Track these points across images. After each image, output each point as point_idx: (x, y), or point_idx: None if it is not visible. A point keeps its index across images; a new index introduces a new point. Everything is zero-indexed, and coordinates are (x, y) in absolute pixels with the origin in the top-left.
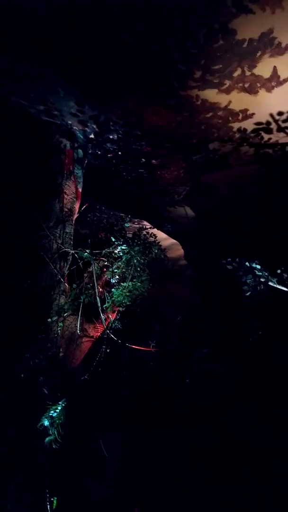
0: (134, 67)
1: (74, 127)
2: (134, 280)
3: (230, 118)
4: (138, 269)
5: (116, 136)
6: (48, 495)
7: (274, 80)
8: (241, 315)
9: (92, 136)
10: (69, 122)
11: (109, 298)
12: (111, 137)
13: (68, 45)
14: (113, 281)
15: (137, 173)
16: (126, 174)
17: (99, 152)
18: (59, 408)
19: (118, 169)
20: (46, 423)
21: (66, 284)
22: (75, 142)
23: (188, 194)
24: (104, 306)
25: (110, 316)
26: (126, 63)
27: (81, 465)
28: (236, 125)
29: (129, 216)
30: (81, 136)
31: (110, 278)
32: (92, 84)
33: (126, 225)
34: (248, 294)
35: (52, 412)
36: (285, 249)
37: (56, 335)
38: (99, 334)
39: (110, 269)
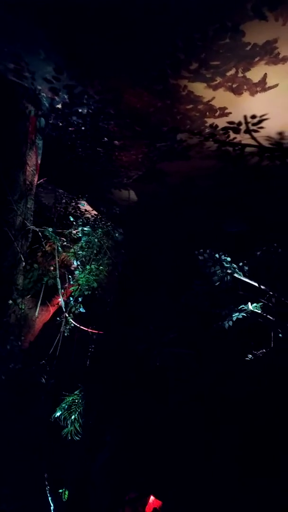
0: (132, 46)
1: (42, 94)
2: (99, 263)
3: (207, 113)
4: (101, 252)
5: (86, 111)
6: (48, 487)
7: (260, 86)
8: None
9: (59, 106)
10: (39, 87)
11: (72, 280)
12: (80, 110)
13: (67, 6)
14: (76, 263)
15: (94, 151)
16: (82, 151)
17: (60, 124)
18: (76, 398)
19: (75, 144)
20: (58, 414)
21: (26, 264)
22: (39, 109)
23: (138, 178)
24: (72, 288)
25: (64, 300)
26: (126, 40)
27: (79, 453)
28: (210, 121)
29: (83, 196)
30: (47, 104)
31: (73, 260)
32: (80, 52)
33: (82, 204)
34: (217, 283)
35: (64, 404)
36: (226, 239)
37: (18, 318)
38: (49, 316)
39: (72, 251)
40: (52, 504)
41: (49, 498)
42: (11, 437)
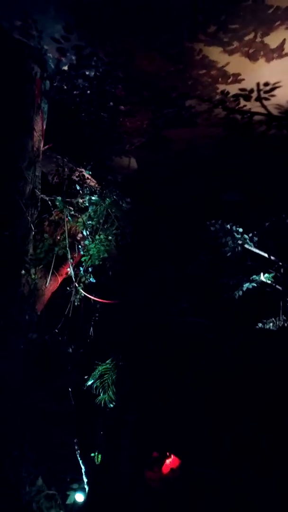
0: (150, 6)
1: (49, 54)
2: (106, 233)
3: (219, 79)
4: (108, 222)
5: (93, 73)
6: (78, 451)
7: (277, 52)
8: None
9: (65, 68)
10: (46, 47)
11: (82, 250)
12: (87, 73)
13: None
14: (86, 233)
15: (98, 116)
16: (85, 116)
17: (65, 87)
18: (109, 366)
19: (79, 109)
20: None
21: (35, 234)
22: (45, 71)
23: (141, 146)
24: (84, 259)
25: (74, 269)
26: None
27: (111, 419)
28: (221, 87)
29: (88, 163)
30: (52, 66)
31: (82, 230)
32: (94, 11)
33: (87, 172)
34: (228, 254)
35: (97, 372)
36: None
37: (32, 288)
38: (57, 286)
39: (80, 220)
40: (83, 467)
41: (80, 462)
42: (37, 406)
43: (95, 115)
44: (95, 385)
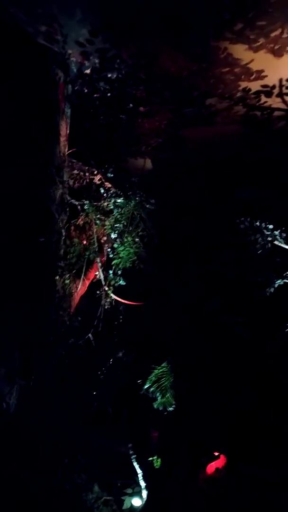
0: (176, 6)
1: (72, 58)
2: (132, 235)
3: (242, 76)
4: (133, 224)
5: (115, 76)
6: (134, 456)
7: None
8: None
9: (87, 71)
10: (69, 51)
11: (111, 253)
12: (109, 75)
13: None
14: (113, 236)
15: (116, 119)
16: (104, 118)
17: (86, 90)
18: (164, 370)
19: (98, 112)
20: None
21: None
22: (67, 76)
23: (157, 146)
24: (114, 262)
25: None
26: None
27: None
28: (243, 84)
29: (105, 166)
30: (75, 70)
31: (110, 233)
32: (119, 13)
33: (109, 175)
34: (259, 252)
35: (153, 376)
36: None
37: (67, 293)
38: (85, 289)
39: (108, 223)
40: (140, 471)
41: (136, 466)
42: (83, 411)
43: (114, 117)
44: (151, 389)
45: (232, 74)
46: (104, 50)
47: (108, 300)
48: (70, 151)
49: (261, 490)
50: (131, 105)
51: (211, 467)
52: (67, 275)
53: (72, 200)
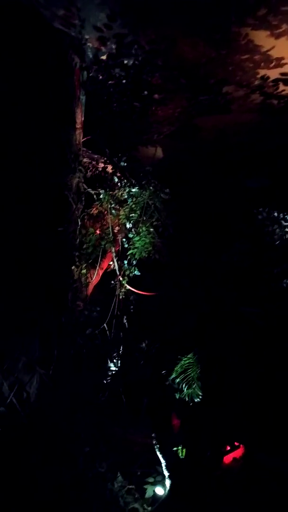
0: None
1: (89, 44)
2: (146, 225)
3: (262, 64)
4: (147, 213)
5: (131, 62)
6: (158, 446)
7: None
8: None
9: (103, 57)
10: (86, 36)
11: (126, 243)
12: (125, 62)
13: None
14: (128, 226)
15: (130, 106)
16: (117, 106)
17: (100, 77)
18: (191, 361)
19: (111, 99)
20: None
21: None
22: (83, 62)
23: (170, 134)
24: (129, 253)
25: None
26: None
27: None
28: (262, 72)
29: (123, 155)
30: (91, 56)
31: (125, 223)
32: None
33: (122, 163)
34: (277, 243)
35: (179, 366)
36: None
37: (83, 283)
38: (99, 279)
39: (123, 213)
40: (164, 461)
41: (160, 456)
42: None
43: (127, 105)
44: (177, 380)
45: (251, 61)
46: (121, 35)
47: (123, 290)
48: (85, 139)
49: (280, 482)
50: (145, 92)
51: (229, 457)
52: (84, 265)
53: (89, 189)
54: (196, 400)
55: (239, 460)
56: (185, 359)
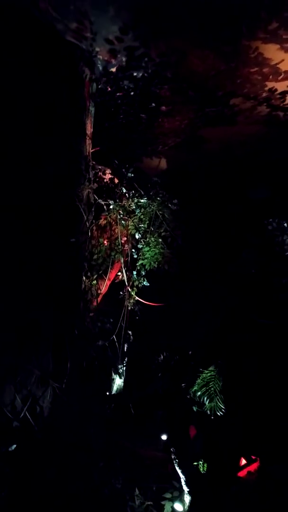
0: (210, 3)
1: (99, 56)
2: (154, 235)
3: (270, 77)
4: (155, 224)
5: (140, 74)
6: (177, 460)
7: None
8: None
9: (113, 69)
10: (97, 49)
11: (135, 254)
12: (135, 74)
13: None
14: (137, 236)
15: (136, 118)
16: (124, 117)
17: (109, 89)
18: (212, 374)
19: (119, 111)
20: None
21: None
22: (93, 74)
23: (175, 146)
24: (139, 263)
25: (127, 273)
26: None
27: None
28: (270, 84)
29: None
30: (100, 68)
31: (133, 233)
32: (154, 10)
33: (129, 174)
34: (287, 253)
35: (201, 380)
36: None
37: (93, 294)
38: (107, 290)
39: (132, 224)
40: (183, 476)
41: (179, 470)
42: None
43: (134, 116)
44: (198, 393)
45: (260, 74)
46: (132, 48)
47: (132, 301)
48: (93, 150)
49: None
50: (153, 104)
51: (244, 471)
52: (95, 276)
53: (99, 200)
54: (218, 414)
55: (254, 473)
56: (207, 372)
